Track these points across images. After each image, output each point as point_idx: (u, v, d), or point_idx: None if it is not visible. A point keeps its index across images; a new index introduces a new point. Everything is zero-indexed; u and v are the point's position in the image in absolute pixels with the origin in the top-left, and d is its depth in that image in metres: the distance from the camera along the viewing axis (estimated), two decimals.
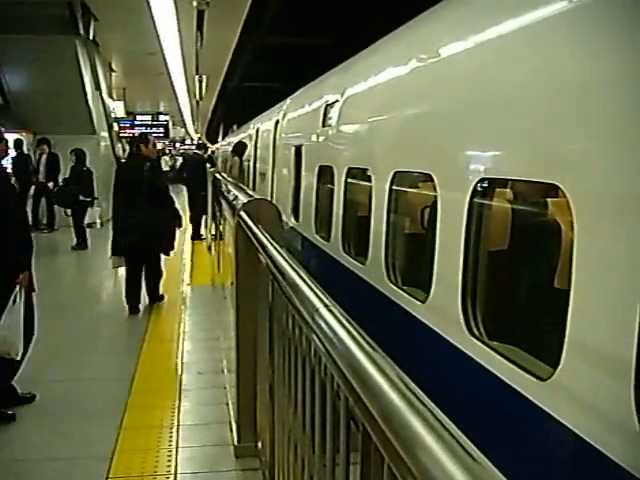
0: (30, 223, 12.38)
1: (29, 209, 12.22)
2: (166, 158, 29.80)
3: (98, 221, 11.06)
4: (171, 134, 27.08)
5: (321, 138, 6.81)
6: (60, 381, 4.43)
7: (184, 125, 41.28)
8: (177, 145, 46.00)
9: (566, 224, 2.66)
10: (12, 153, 12.61)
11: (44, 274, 8.71)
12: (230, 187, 5.66)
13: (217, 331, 5.97)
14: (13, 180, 12.27)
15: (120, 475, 3.47)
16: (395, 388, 1.10)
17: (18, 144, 12.52)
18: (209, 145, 13.85)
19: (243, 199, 3.73)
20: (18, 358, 4.18)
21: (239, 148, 12.78)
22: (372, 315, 3.91)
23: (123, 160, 16.11)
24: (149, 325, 6.37)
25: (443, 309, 3.37)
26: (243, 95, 32.39)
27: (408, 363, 1.46)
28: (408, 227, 4.57)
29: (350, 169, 5.50)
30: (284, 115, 9.73)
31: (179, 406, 4.38)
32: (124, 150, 18.76)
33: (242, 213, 3.37)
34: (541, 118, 2.68)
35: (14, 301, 4.10)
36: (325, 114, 6.47)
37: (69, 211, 10.97)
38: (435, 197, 3.55)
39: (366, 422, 1.18)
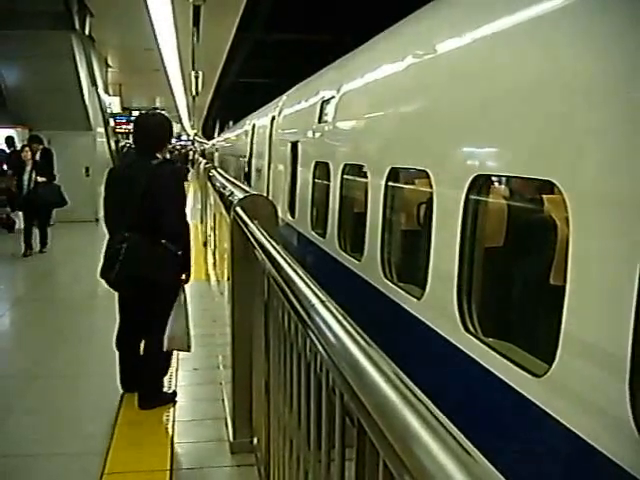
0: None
1: None
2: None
3: None
4: None
5: (317, 134, 6.81)
6: (56, 377, 4.42)
7: (180, 121, 41.24)
8: (173, 141, 45.93)
9: (562, 221, 2.66)
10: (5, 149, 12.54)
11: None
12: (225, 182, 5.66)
13: (213, 327, 5.96)
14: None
15: (116, 471, 3.46)
16: (391, 384, 1.10)
17: (10, 141, 12.39)
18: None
19: (239, 195, 3.72)
20: (191, 351, 4.44)
21: None
22: (368, 311, 3.91)
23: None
24: None
25: (439, 305, 3.38)
26: (239, 91, 32.37)
27: (404, 359, 1.46)
28: (404, 223, 4.57)
29: (346, 165, 5.50)
30: (280, 111, 9.72)
31: (175, 402, 4.38)
32: (123, 147, 18.76)
33: (238, 209, 3.36)
34: (536, 115, 2.68)
35: (180, 301, 4.24)
36: (321, 110, 6.47)
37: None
38: (431, 194, 3.55)
39: (361, 417, 1.18)
